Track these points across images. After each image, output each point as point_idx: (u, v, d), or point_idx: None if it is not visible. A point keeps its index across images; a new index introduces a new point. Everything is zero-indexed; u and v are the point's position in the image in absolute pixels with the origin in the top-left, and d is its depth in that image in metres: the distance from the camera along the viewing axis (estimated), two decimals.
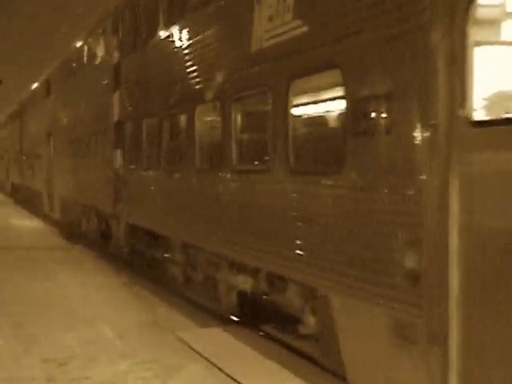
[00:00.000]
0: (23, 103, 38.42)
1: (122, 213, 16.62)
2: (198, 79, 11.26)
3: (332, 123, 7.81)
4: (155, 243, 14.57)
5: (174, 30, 12.48)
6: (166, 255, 14.01)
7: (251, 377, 8.40)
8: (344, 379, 7.39)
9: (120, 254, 17.48)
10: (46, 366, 8.71)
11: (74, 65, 23.23)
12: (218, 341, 10.06)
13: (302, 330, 8.94)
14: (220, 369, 8.68)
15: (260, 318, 10.72)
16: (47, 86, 28.72)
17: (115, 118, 16.72)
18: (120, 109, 16.44)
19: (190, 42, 11.66)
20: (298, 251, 7.94)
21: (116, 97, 16.63)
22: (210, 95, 10.68)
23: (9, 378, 8.24)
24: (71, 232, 23.79)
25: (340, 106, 7.19)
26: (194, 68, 11.46)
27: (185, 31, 11.97)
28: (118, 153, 16.58)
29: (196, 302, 12.38)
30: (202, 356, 9.21)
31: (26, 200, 37.28)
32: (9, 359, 9.03)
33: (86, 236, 21.87)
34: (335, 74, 7.10)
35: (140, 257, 16.02)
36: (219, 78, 10.34)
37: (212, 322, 11.26)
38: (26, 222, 28.97)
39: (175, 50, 12.39)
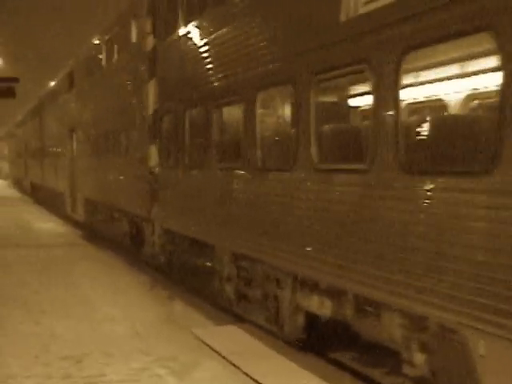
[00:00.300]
0: (43, 99, 36.78)
1: (157, 217, 14.85)
2: (260, 60, 9.41)
3: (470, 107, 5.91)
4: (197, 251, 12.82)
5: (228, 3, 10.64)
6: (209, 265, 12.26)
7: (268, 375, 8.20)
8: None
9: (153, 261, 15.72)
10: (63, 364, 8.75)
11: (100, 56, 21.44)
12: (234, 338, 9.91)
13: (405, 369, 7.13)
14: (236, 366, 8.56)
15: (333, 345, 9.29)
16: (70, 80, 26.99)
17: (150, 110, 14.94)
18: (156, 99, 14.64)
19: (248, 15, 9.79)
20: (413, 276, 6.13)
21: (151, 86, 14.85)
22: (277, 78, 8.86)
23: (27, 376, 8.28)
24: (96, 235, 22.13)
25: (487, 82, 5.36)
26: (253, 47, 9.62)
27: (243, 2, 10.11)
28: (154, 149, 14.81)
29: (250, 321, 10.78)
30: (218, 354, 9.14)
31: (47, 200, 35.77)
32: (28, 357, 9.06)
33: (112, 239, 20.16)
34: (481, 39, 5.29)
35: (179, 266, 14.26)
36: (290, 56, 8.52)
37: (228, 319, 11.06)
38: (48, 225, 27.46)
39: (228, 27, 10.53)
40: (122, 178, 18.01)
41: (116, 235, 19.66)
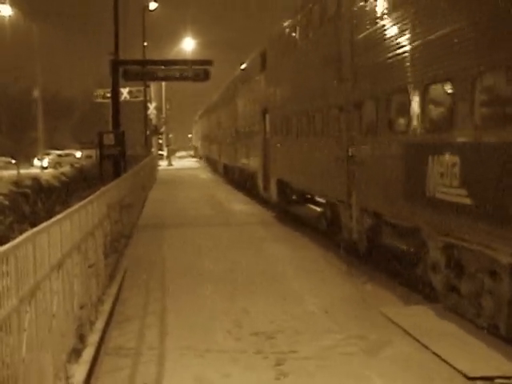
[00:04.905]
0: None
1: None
2: None
3: None
4: (402, 237, 11.61)
5: None
6: (420, 254, 10.81)
7: (460, 358, 7.91)
8: None
9: (350, 245, 14.56)
10: (254, 339, 9.00)
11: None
12: (423, 318, 9.68)
13: None
14: (426, 347, 8.41)
15: None
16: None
17: None
18: None
19: None
20: None
21: None
22: None
23: (220, 350, 8.58)
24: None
25: None
26: None
27: None
28: None
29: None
30: (407, 333, 9.04)
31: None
32: (221, 332, 9.39)
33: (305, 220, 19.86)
34: None
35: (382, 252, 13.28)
36: None
37: (417, 298, 10.86)
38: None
39: None
40: None
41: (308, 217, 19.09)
